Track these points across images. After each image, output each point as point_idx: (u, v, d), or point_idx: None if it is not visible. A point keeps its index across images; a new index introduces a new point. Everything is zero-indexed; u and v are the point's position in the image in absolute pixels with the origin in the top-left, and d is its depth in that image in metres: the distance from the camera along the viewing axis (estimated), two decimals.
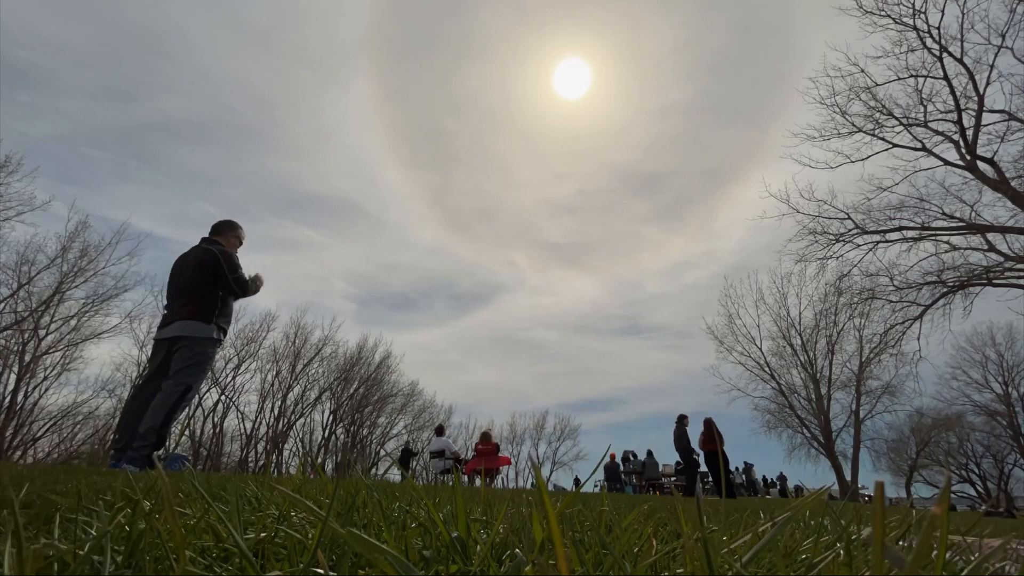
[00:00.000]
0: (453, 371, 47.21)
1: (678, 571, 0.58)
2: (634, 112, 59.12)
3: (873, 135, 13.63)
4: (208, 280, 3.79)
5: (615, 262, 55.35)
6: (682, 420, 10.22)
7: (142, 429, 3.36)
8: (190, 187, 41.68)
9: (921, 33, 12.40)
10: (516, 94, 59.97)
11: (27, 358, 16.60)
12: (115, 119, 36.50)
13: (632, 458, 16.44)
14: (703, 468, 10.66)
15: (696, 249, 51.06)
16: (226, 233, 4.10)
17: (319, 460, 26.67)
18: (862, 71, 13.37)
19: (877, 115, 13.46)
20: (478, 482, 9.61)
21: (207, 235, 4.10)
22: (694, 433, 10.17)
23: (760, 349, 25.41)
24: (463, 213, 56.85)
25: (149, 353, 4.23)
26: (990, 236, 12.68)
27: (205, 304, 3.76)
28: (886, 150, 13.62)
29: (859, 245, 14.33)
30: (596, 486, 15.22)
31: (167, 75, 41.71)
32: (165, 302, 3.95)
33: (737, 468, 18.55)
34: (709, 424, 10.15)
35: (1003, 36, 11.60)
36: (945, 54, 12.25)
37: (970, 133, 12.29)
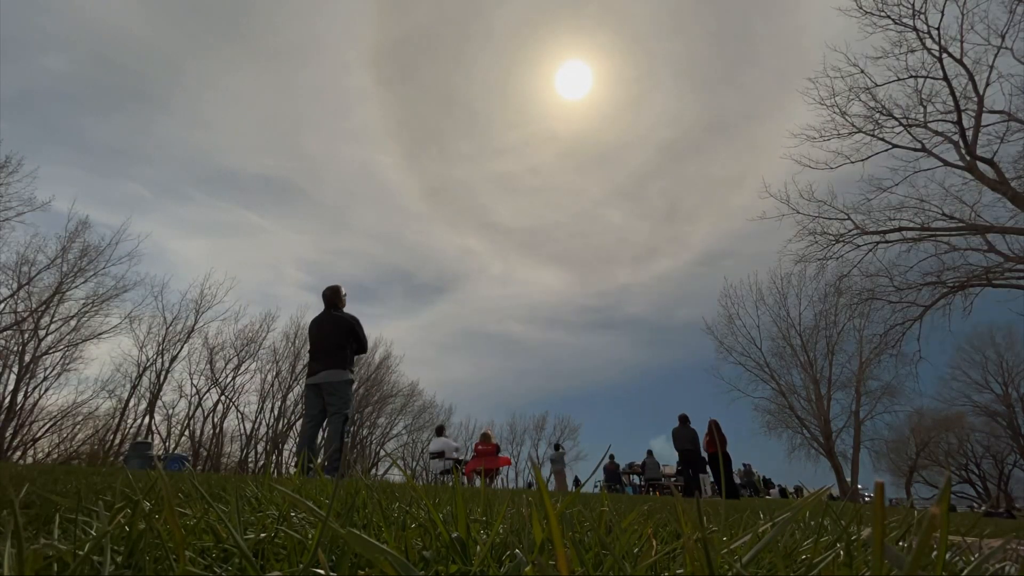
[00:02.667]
0: (426, 368, 46.16)
1: (678, 571, 0.58)
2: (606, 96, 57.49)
3: (873, 136, 13.63)
4: (347, 340, 5.09)
5: (579, 248, 53.92)
6: (684, 420, 10.22)
7: (328, 453, 4.63)
8: (110, 164, 35.61)
9: (921, 34, 12.40)
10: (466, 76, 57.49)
11: (27, 358, 16.59)
12: None
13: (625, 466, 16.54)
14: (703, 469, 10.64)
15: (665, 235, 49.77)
16: (341, 299, 5.36)
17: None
18: (862, 72, 13.38)
19: (877, 116, 13.46)
20: (478, 482, 9.60)
21: (323, 295, 5.35)
22: (690, 434, 10.16)
23: (760, 349, 25.42)
24: (412, 195, 53.94)
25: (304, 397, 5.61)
26: (990, 237, 12.67)
27: (344, 357, 5.02)
28: (886, 151, 13.62)
29: (859, 246, 14.32)
30: (596, 487, 15.22)
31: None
32: (310, 355, 5.15)
33: (739, 469, 18.55)
34: (713, 426, 10.15)
35: (1003, 37, 11.61)
36: (945, 55, 12.25)
37: (970, 134, 12.29)
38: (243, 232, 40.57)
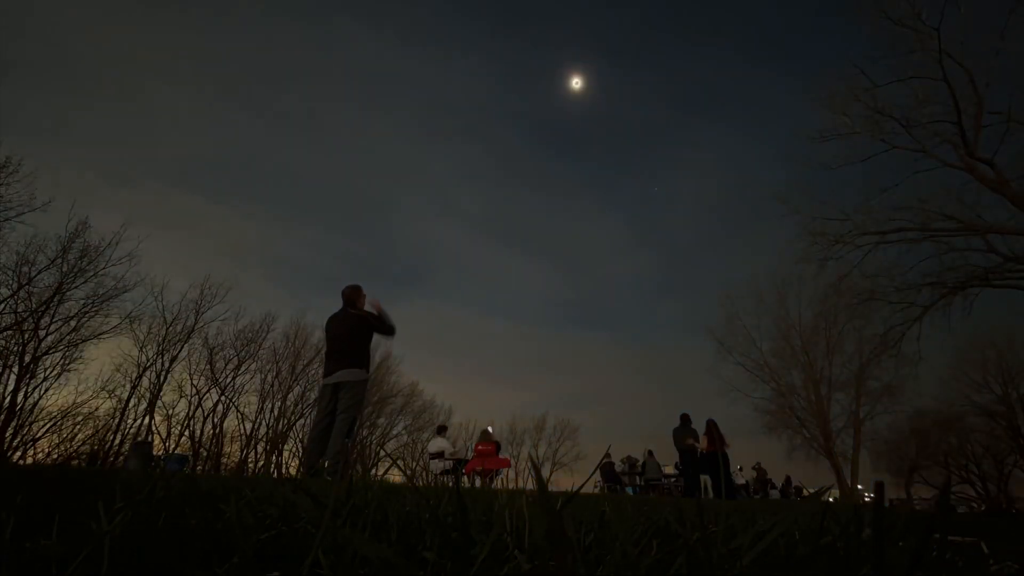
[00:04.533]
0: (403, 366, 45.75)
1: (678, 571, 0.58)
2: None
3: (873, 136, 13.65)
4: (364, 339, 5.01)
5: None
6: (685, 419, 10.20)
7: (331, 455, 4.50)
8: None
9: (921, 34, 12.41)
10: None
11: (27, 358, 16.58)
12: None
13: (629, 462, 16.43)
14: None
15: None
16: (361, 298, 5.28)
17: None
18: (862, 72, 13.40)
19: (877, 116, 13.47)
20: (478, 483, 9.60)
21: (342, 293, 5.23)
22: (690, 434, 10.13)
23: (760, 350, 25.44)
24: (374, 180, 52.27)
25: (317, 395, 5.54)
26: (990, 237, 12.67)
27: (363, 356, 4.96)
28: (886, 151, 13.64)
29: (859, 246, 14.33)
30: (596, 487, 15.20)
31: None
32: (327, 353, 5.05)
33: (740, 468, 18.48)
34: (711, 426, 10.14)
35: (1003, 37, 11.61)
36: (944, 55, 12.24)
37: (970, 134, 12.29)
38: (190, 220, 38.82)
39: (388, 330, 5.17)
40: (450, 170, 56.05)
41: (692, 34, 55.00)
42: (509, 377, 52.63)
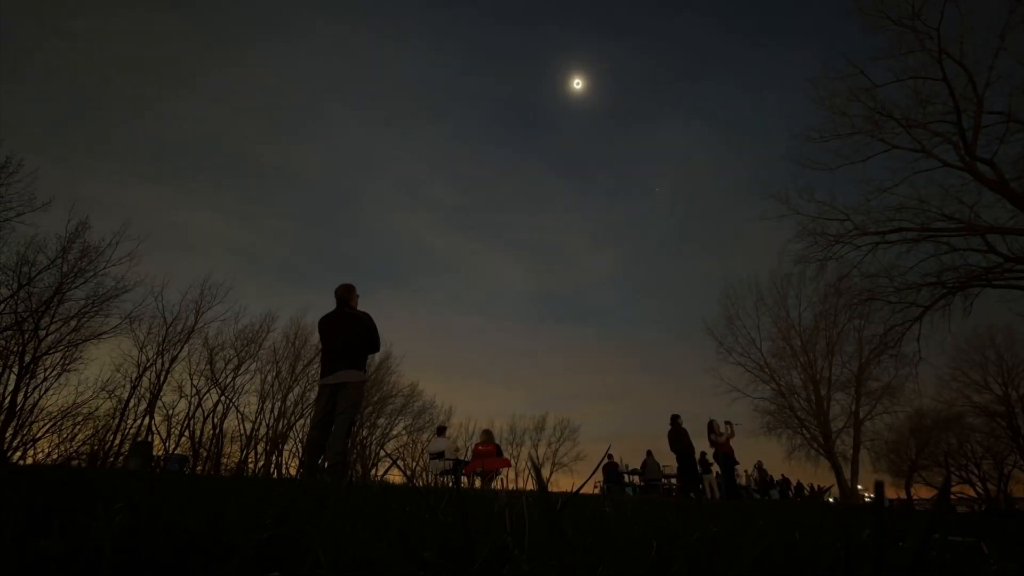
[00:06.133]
0: (403, 366, 45.12)
1: (678, 572, 0.57)
2: None
3: (872, 136, 13.64)
4: (363, 339, 4.96)
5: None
6: (676, 420, 10.19)
7: (331, 456, 4.48)
8: None
9: (920, 34, 12.41)
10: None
11: (27, 359, 16.58)
12: None
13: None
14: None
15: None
16: (354, 297, 5.24)
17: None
18: (861, 72, 13.40)
19: (877, 116, 13.47)
20: (478, 483, 9.60)
21: (336, 293, 5.20)
22: (682, 434, 10.12)
23: (760, 350, 25.44)
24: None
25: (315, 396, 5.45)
26: (989, 237, 12.67)
27: (361, 357, 4.92)
28: (886, 151, 13.63)
29: (859, 246, 14.31)
30: (596, 487, 15.20)
31: None
32: (324, 354, 4.98)
33: (746, 470, 18.50)
34: (712, 425, 10.15)
35: (1002, 37, 11.61)
36: (944, 55, 12.25)
37: (969, 134, 12.29)
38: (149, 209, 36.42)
39: (374, 345, 5.12)
40: (415, 158, 55.03)
41: (684, 28, 54.84)
42: (497, 374, 52.28)
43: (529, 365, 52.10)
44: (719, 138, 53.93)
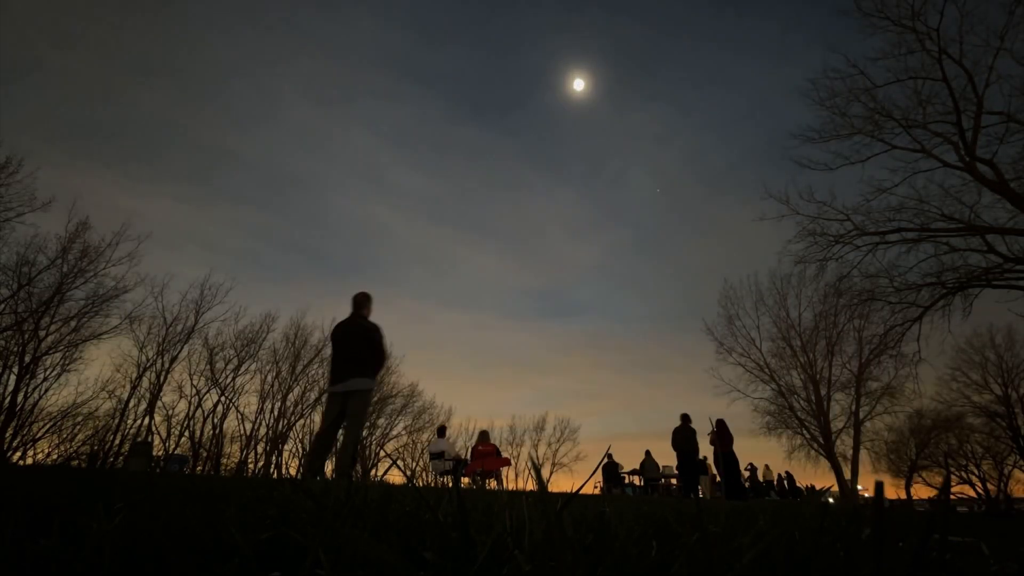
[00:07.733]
0: (403, 366, 44.42)
1: (678, 571, 0.58)
2: None
3: (872, 136, 13.65)
4: (372, 348, 5.07)
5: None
6: (686, 418, 10.21)
7: (345, 461, 4.59)
8: None
9: (920, 35, 12.42)
10: None
11: (27, 359, 16.58)
12: None
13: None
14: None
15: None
16: (369, 306, 5.35)
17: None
18: (861, 73, 13.40)
19: (876, 117, 13.47)
20: (492, 484, 9.60)
21: (353, 299, 5.31)
22: (688, 434, 10.13)
23: (760, 350, 25.44)
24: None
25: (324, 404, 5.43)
26: (989, 238, 12.67)
27: (371, 365, 5.03)
28: (885, 152, 13.63)
29: (859, 247, 14.30)
30: (596, 487, 15.22)
31: None
32: (335, 361, 5.05)
33: (746, 469, 18.50)
34: (720, 425, 10.15)
35: (1002, 38, 11.61)
36: (944, 56, 12.26)
37: (969, 135, 12.30)
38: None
39: (380, 360, 5.22)
40: (387, 147, 52.63)
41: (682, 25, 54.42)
42: (498, 374, 51.80)
43: (529, 364, 51.90)
44: (713, 130, 52.92)
